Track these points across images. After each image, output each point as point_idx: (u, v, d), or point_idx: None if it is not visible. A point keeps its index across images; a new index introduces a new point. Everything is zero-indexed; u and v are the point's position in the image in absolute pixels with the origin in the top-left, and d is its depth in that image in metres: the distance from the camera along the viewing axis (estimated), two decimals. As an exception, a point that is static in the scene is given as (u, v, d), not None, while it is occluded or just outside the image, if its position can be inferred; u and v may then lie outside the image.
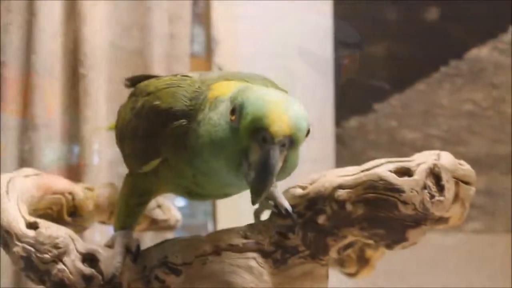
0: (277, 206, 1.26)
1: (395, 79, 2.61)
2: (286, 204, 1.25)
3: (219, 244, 1.24)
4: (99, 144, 2.40)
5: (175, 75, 1.30)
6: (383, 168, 1.21)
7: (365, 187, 1.20)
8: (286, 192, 1.28)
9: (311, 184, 1.27)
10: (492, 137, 2.40)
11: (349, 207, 1.20)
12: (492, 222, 2.28)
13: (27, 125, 2.35)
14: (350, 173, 1.24)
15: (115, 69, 2.51)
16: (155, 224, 1.68)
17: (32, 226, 1.30)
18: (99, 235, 2.24)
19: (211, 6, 2.62)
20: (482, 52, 2.49)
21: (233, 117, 1.08)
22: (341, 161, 2.56)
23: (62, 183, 1.53)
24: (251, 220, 1.32)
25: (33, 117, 2.34)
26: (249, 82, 1.23)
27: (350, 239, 1.24)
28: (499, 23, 2.51)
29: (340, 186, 1.22)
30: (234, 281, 1.20)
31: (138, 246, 1.27)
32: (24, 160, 2.35)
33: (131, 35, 2.52)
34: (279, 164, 1.06)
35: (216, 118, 1.12)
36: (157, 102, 1.24)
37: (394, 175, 1.20)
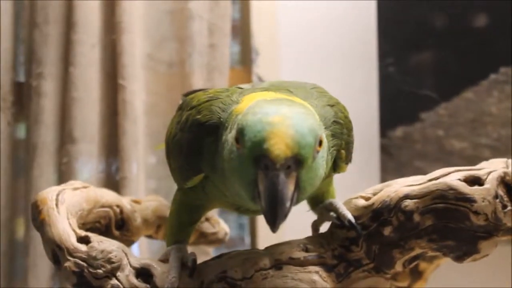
0: (339, 218, 1.21)
1: (442, 88, 2.54)
2: (349, 216, 1.19)
3: (280, 257, 1.18)
4: (136, 157, 2.36)
5: (225, 88, 1.26)
6: (452, 177, 1.16)
7: (434, 197, 1.15)
8: (347, 203, 1.23)
9: (374, 194, 1.22)
10: (542, 146, 2.34)
11: (417, 217, 1.15)
12: None
13: (65, 138, 2.32)
14: (417, 183, 1.18)
15: (153, 81, 2.48)
16: (204, 238, 1.64)
17: (84, 240, 1.25)
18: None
19: (250, 16, 2.58)
20: (533, 59, 2.43)
21: (238, 145, 1.01)
22: (386, 172, 2.50)
23: (110, 196, 1.48)
24: (295, 232, 1.27)
25: (71, 130, 2.31)
26: (293, 92, 1.18)
27: (417, 251, 1.19)
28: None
29: (407, 196, 1.17)
30: (298, 296, 1.14)
31: (194, 260, 1.21)
32: (62, 174, 2.32)
33: (170, 47, 2.48)
34: (289, 189, 0.98)
35: (230, 142, 1.06)
36: (197, 116, 1.19)
37: (464, 184, 1.14)
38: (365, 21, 2.55)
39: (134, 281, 1.20)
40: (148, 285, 1.19)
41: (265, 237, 2.48)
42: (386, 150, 2.51)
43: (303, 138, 0.99)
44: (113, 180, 2.34)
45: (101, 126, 2.38)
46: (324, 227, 1.28)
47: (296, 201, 1.02)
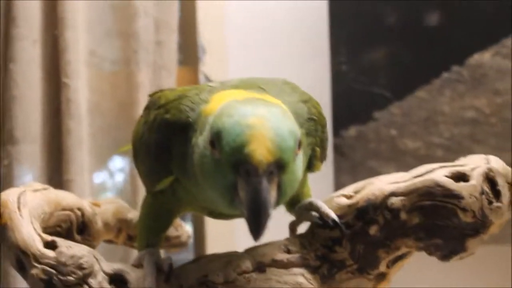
0: (321, 217, 1.17)
1: (396, 86, 2.55)
2: (333, 215, 1.16)
3: (262, 260, 1.14)
4: (81, 158, 2.28)
5: (193, 86, 1.20)
6: (437, 173, 1.13)
7: (420, 194, 1.12)
8: (328, 202, 1.19)
9: (355, 192, 1.18)
10: (495, 145, 2.36)
11: (403, 215, 1.12)
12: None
13: (5, 138, 2.21)
14: (401, 180, 1.15)
15: (97, 79, 2.40)
16: (167, 242, 1.57)
17: (50, 245, 1.17)
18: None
19: (196, 11, 2.52)
20: (484, 58, 2.45)
21: (214, 150, 0.96)
22: (340, 171, 2.48)
23: (71, 198, 1.40)
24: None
25: (12, 130, 2.21)
26: (265, 89, 1.13)
27: (402, 250, 1.16)
28: (501, 27, 2.47)
29: (393, 194, 1.14)
30: (284, 300, 1.10)
31: (170, 265, 1.15)
32: (3, 177, 2.21)
33: (114, 43, 2.41)
34: (271, 195, 0.93)
35: (202, 146, 1.00)
36: (166, 115, 1.13)
37: (451, 181, 1.12)
38: (316, 17, 2.53)
39: (108, 287, 1.13)
40: (121, 292, 1.13)
41: (213, 242, 2.44)
42: (339, 150, 2.50)
43: (284, 141, 0.94)
44: (56, 182, 2.24)
45: (44, 126, 2.28)
46: (301, 228, 1.24)
47: (276, 205, 0.98)
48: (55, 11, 2.28)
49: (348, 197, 1.18)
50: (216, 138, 0.95)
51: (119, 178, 2.58)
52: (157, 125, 1.15)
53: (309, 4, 2.55)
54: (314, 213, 1.19)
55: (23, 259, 1.16)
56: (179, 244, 1.61)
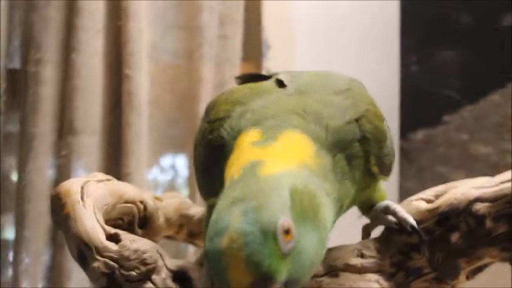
0: (399, 222, 1.10)
1: (467, 89, 2.45)
2: (411, 220, 1.08)
3: (335, 264, 1.07)
4: (140, 151, 2.25)
5: (245, 95, 1.12)
6: (528, 180, 1.06)
7: (508, 201, 1.04)
8: (407, 206, 1.12)
9: (436, 197, 1.11)
10: None
11: (489, 223, 1.04)
12: None
13: (65, 129, 2.19)
14: (487, 185, 1.08)
15: (159, 72, 2.37)
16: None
17: (113, 238, 1.13)
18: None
19: (262, 7, 2.47)
20: None
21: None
22: (405, 177, 2.40)
23: (133, 191, 1.35)
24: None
25: (72, 121, 2.19)
26: (306, 116, 1.03)
27: (485, 260, 1.08)
28: None
29: (478, 199, 1.06)
30: (358, 307, 1.03)
31: None
32: (61, 168, 2.19)
33: (177, 36, 2.38)
34: None
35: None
36: (209, 136, 1.08)
37: (542, 188, 1.04)
38: (387, 15, 2.45)
39: (172, 285, 1.08)
40: (185, 289, 1.08)
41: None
42: (405, 154, 2.42)
43: (257, 256, 0.83)
44: (114, 175, 2.20)
45: (104, 118, 2.26)
46: (375, 232, 1.18)
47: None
48: (119, 2, 2.27)
49: (428, 201, 1.11)
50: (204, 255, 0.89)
51: (178, 175, 2.55)
52: (204, 143, 1.10)
53: (380, 3, 2.47)
54: (390, 217, 1.11)
55: (84, 251, 1.12)
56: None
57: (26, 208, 2.17)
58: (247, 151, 0.98)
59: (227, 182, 0.94)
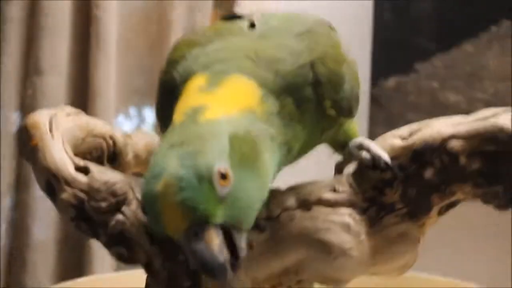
0: (373, 159, 1.09)
1: (440, 38, 2.44)
2: (386, 157, 1.07)
3: (308, 198, 1.06)
4: (107, 94, 2.21)
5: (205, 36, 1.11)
6: (503, 118, 1.05)
7: (483, 138, 1.03)
8: (381, 142, 1.11)
9: (410, 134, 1.11)
10: (541, 104, 2.26)
11: (463, 160, 1.04)
12: None
13: (31, 69, 2.14)
14: (462, 122, 1.07)
15: (127, 14, 2.32)
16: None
17: (82, 170, 1.12)
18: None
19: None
20: (536, 13, 2.34)
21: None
22: (375, 123, 2.40)
23: (103, 126, 1.33)
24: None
25: (38, 60, 2.14)
26: (256, 58, 1.03)
27: (457, 196, 1.08)
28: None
29: (452, 137, 1.06)
30: (330, 240, 1.02)
31: None
32: (27, 107, 2.15)
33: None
34: (212, 248, 0.84)
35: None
36: (162, 76, 1.11)
37: (517, 126, 1.04)
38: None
39: (143, 216, 1.06)
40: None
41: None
42: (376, 101, 2.42)
43: (193, 201, 0.83)
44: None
45: (71, 59, 2.21)
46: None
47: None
48: None
49: (403, 138, 1.10)
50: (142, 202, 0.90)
51: (145, 122, 2.52)
52: (159, 84, 1.11)
53: None
54: (364, 154, 1.10)
55: (53, 183, 1.11)
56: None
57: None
58: (192, 96, 0.98)
59: (169, 127, 0.94)
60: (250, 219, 0.92)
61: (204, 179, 0.83)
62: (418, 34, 2.42)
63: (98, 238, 1.09)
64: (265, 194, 0.95)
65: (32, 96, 2.14)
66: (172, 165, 0.84)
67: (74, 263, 2.21)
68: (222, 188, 0.85)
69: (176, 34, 2.27)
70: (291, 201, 1.05)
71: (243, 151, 0.89)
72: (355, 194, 1.08)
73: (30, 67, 2.15)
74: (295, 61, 1.03)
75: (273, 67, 1.01)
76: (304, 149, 1.10)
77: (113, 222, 1.06)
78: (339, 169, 1.18)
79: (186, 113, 0.93)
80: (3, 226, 2.18)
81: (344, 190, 1.08)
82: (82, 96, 2.20)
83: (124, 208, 1.07)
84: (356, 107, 1.13)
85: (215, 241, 0.85)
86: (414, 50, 2.44)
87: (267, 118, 0.97)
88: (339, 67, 1.07)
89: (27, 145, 1.16)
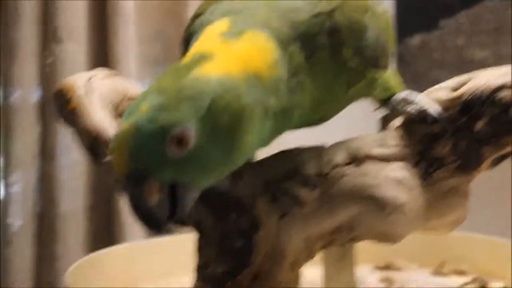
0: (421, 112, 1.07)
1: (465, -6, 2.40)
2: (436, 108, 1.05)
3: (357, 153, 1.04)
4: (127, 61, 2.18)
5: None
6: (554, 66, 1.03)
7: (535, 87, 1.02)
8: (427, 96, 1.09)
9: (458, 86, 1.08)
10: None
11: (513, 111, 1.02)
12: None
13: (49, 36, 2.12)
14: (510, 73, 1.05)
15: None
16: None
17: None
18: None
19: None
20: None
21: None
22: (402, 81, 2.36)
23: (137, 89, 1.30)
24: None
25: (56, 28, 2.11)
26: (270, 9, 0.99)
27: (508, 148, 1.06)
28: None
29: (502, 87, 1.04)
30: (383, 195, 1.00)
31: None
32: (46, 76, 2.12)
33: None
34: (149, 199, 0.83)
35: None
36: (185, 32, 1.10)
37: None
38: None
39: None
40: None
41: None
42: (402, 58, 2.38)
43: (139, 152, 0.82)
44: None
45: (89, 26, 2.19)
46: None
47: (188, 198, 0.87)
48: None
49: (451, 90, 1.08)
50: None
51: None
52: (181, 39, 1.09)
53: None
54: (411, 107, 1.08)
55: (95, 146, 1.09)
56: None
57: (11, 118, 2.12)
58: (209, 39, 0.94)
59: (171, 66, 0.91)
60: (204, 183, 0.88)
61: (157, 137, 0.81)
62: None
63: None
64: (235, 164, 0.91)
65: (51, 64, 2.12)
66: (141, 110, 0.82)
67: (104, 231, 2.21)
68: (175, 152, 0.82)
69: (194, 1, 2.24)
70: (341, 157, 1.03)
71: (222, 117, 0.85)
72: (405, 148, 1.06)
73: (48, 35, 2.12)
74: (311, 10, 0.99)
75: (289, 17, 0.98)
76: (326, 106, 1.06)
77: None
78: (385, 123, 1.15)
79: (193, 57, 0.90)
80: (30, 199, 2.17)
81: (393, 144, 1.06)
82: (102, 64, 2.16)
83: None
84: (385, 58, 1.10)
85: (154, 195, 0.83)
86: (438, 7, 2.40)
87: (272, 85, 0.92)
88: (360, 15, 1.03)
89: (64, 109, 1.14)
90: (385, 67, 1.10)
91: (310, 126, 1.10)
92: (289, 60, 0.95)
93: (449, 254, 1.56)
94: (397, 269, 1.55)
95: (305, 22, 0.98)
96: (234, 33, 0.93)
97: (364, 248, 1.28)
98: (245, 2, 1.01)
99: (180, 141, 0.82)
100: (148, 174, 0.82)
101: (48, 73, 2.12)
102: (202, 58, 0.89)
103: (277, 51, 0.94)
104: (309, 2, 1.00)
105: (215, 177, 0.90)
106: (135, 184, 0.82)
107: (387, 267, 1.56)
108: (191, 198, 0.87)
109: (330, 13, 0.99)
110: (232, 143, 0.87)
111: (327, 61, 0.99)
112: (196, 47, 0.93)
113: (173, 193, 0.85)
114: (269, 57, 0.93)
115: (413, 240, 1.12)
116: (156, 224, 0.85)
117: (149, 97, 0.84)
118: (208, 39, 0.94)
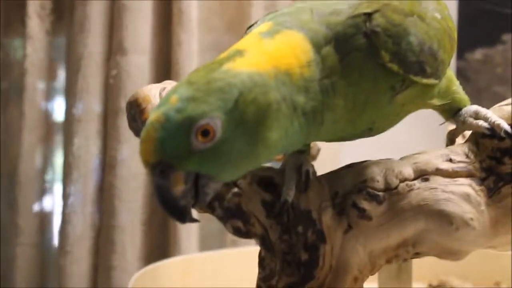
0: (491, 127, 1.07)
1: (528, 7, 2.38)
2: (505, 125, 1.05)
3: (425, 168, 1.04)
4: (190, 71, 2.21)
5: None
6: None
7: None
8: (496, 110, 1.09)
9: (526, 102, 1.08)
10: None
11: None
12: None
13: (115, 48, 2.16)
14: None
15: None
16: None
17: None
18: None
19: None
20: None
21: None
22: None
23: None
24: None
25: (122, 40, 2.15)
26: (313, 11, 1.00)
27: None
28: None
29: None
30: (451, 210, 1.00)
31: (307, 172, 1.05)
32: (111, 87, 2.17)
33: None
34: (171, 190, 0.87)
35: None
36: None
37: None
38: None
39: (256, 188, 1.06)
40: (272, 196, 1.06)
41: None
42: (463, 74, 2.37)
43: (165, 143, 0.85)
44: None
45: (153, 37, 2.23)
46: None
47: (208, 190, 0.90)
48: None
49: (520, 106, 1.08)
50: None
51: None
52: None
53: None
54: (481, 122, 1.08)
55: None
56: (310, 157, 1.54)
57: (75, 129, 2.16)
58: (248, 38, 0.97)
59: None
60: (227, 176, 0.91)
61: (183, 128, 0.84)
62: (504, 4, 2.35)
63: (213, 213, 1.07)
64: (259, 160, 0.93)
65: (116, 75, 2.16)
66: (171, 102, 0.85)
67: (160, 244, 2.24)
68: (200, 143, 0.85)
69: (257, 12, 2.26)
70: (408, 172, 1.04)
71: (249, 111, 0.87)
72: (472, 163, 1.06)
73: (113, 47, 2.17)
74: (351, 12, 0.98)
75: (329, 19, 0.98)
76: (369, 113, 1.02)
77: (229, 195, 1.05)
78: (451, 138, 1.15)
79: (228, 53, 0.93)
80: (90, 209, 2.21)
81: (460, 160, 1.06)
82: (165, 75, 2.21)
83: (239, 181, 1.06)
84: (434, 66, 1.04)
85: (179, 186, 0.86)
86: (501, 21, 2.37)
87: (303, 84, 0.93)
88: (401, 18, 1.00)
89: (137, 119, 1.17)
90: (436, 75, 1.06)
91: (357, 136, 1.08)
92: (323, 61, 0.95)
93: (504, 273, 1.54)
94: (450, 288, 1.54)
95: (342, 23, 0.98)
96: (270, 32, 0.96)
97: (417, 265, 1.27)
98: (294, 7, 1.03)
99: (206, 132, 0.85)
100: (174, 165, 0.85)
101: (112, 84, 2.17)
102: (236, 54, 0.91)
103: (311, 51, 0.95)
104: (349, 6, 1.00)
105: (238, 171, 0.92)
106: (161, 174, 0.86)
107: (440, 285, 1.54)
108: (213, 189, 0.90)
109: (370, 15, 0.98)
110: (257, 137, 0.89)
111: (363, 63, 0.98)
112: (235, 45, 0.96)
113: (197, 183, 0.88)
114: (302, 56, 0.94)
115: (467, 258, 1.11)
116: (180, 213, 0.89)
117: (179, 89, 0.87)
118: (247, 38, 0.97)
